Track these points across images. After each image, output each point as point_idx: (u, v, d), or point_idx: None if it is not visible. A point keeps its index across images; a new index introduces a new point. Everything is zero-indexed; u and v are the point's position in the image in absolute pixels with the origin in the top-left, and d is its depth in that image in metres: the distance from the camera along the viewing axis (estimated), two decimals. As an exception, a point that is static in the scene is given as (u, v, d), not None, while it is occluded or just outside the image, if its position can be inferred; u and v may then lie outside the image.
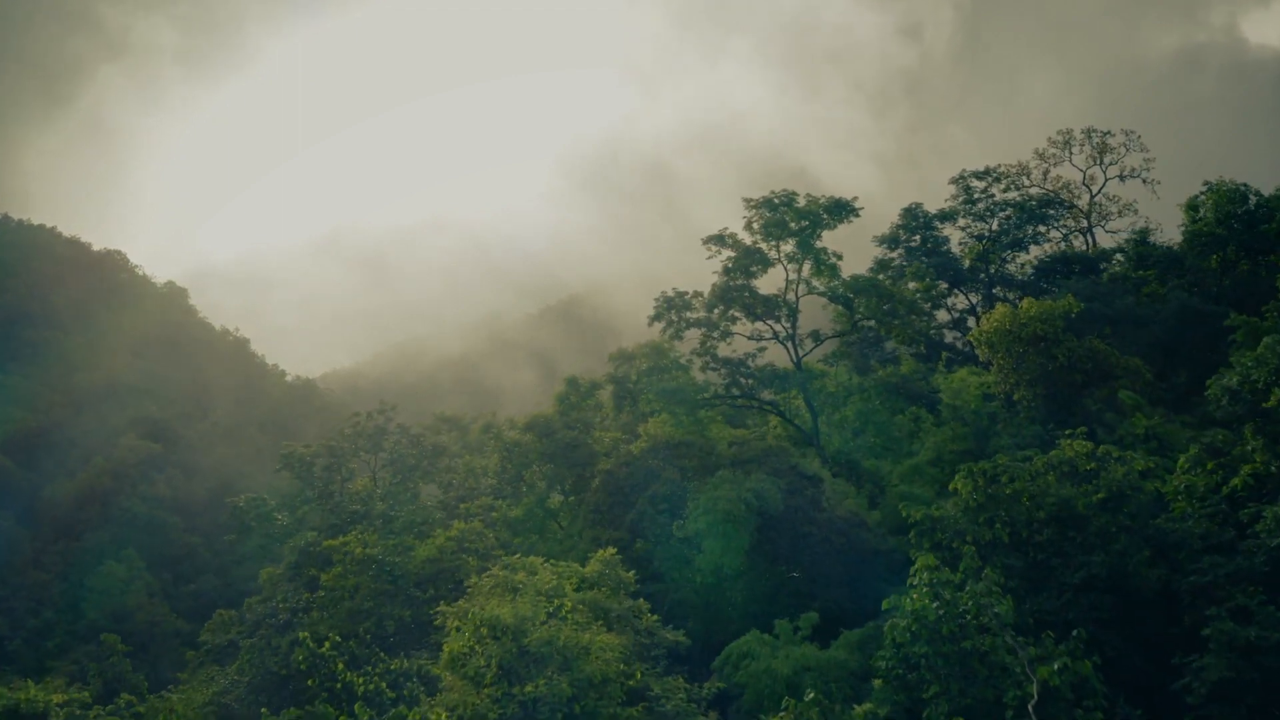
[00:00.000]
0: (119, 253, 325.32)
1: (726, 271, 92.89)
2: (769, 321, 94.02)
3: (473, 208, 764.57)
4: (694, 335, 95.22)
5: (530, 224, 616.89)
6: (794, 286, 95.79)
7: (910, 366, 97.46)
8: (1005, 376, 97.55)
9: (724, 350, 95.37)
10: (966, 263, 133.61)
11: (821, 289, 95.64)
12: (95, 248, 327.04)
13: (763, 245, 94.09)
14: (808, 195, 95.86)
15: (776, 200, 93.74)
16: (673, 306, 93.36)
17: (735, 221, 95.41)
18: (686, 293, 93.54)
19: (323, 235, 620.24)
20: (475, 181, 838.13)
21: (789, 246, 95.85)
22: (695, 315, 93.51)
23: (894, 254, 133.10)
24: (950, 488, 65.82)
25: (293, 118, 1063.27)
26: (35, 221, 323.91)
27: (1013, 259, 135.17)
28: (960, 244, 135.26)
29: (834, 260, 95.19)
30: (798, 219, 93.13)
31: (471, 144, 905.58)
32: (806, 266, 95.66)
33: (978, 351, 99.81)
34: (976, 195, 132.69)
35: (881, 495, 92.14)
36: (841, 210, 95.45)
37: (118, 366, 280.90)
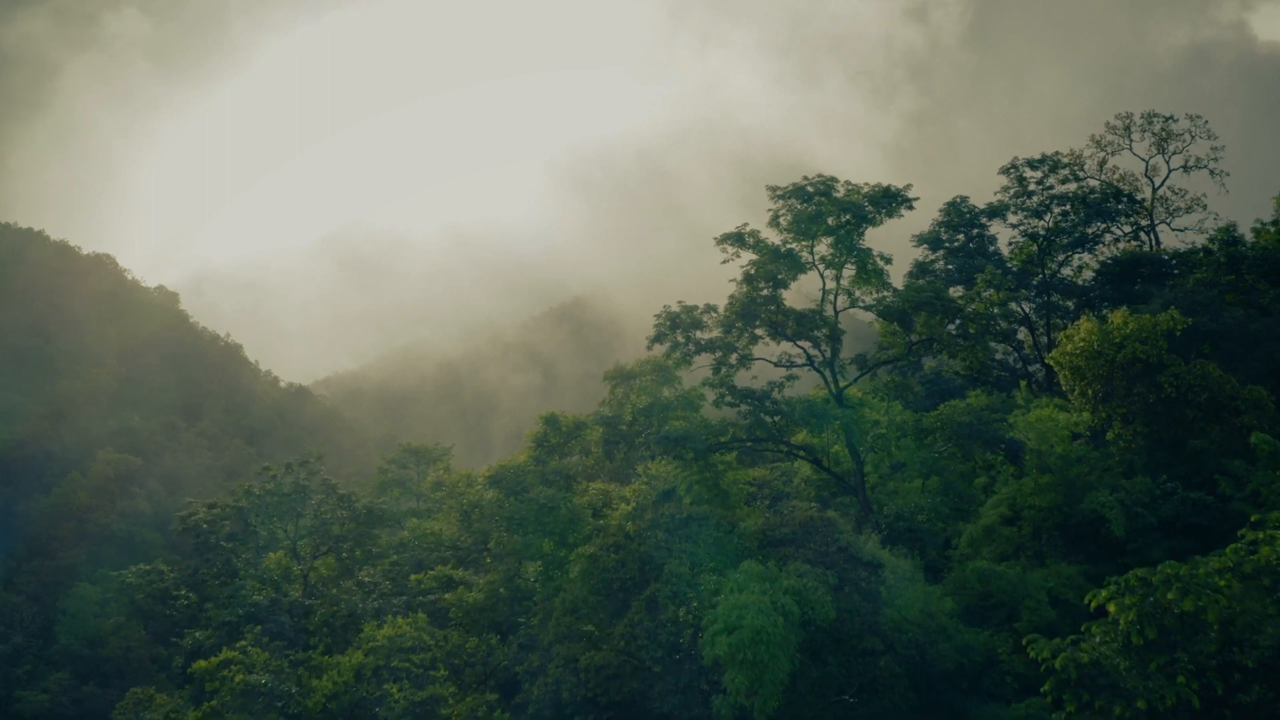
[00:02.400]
0: (108, 256, 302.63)
1: (748, 280, 68.33)
2: (801, 343, 69.71)
3: (471, 209, 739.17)
4: (704, 358, 71.16)
5: (528, 225, 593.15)
6: (831, 298, 71.55)
7: (983, 399, 72.36)
8: (1093, 409, 73.97)
9: (742, 378, 71.43)
10: (1016, 265, 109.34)
11: (869, 302, 71.21)
12: (85, 251, 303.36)
13: (794, 246, 69.78)
14: (847, 183, 71.64)
15: (810, 188, 69.43)
16: (679, 325, 69.00)
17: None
18: (696, 307, 69.22)
19: (324, 237, 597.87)
20: (473, 183, 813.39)
21: (823, 247, 71.73)
22: (708, 335, 69.32)
23: (935, 255, 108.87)
24: (1089, 603, 41.81)
25: (291, 118, 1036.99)
26: (22, 225, 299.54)
27: (1070, 261, 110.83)
28: (1010, 244, 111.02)
29: (882, 264, 70.99)
30: (837, 212, 68.82)
31: (468, 145, 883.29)
32: (847, 273, 71.49)
33: (1060, 378, 75.57)
34: (1031, 187, 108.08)
35: (946, 564, 68.30)
36: (891, 201, 71.17)
37: (101, 375, 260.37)
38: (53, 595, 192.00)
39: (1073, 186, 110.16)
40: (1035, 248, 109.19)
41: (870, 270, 69.24)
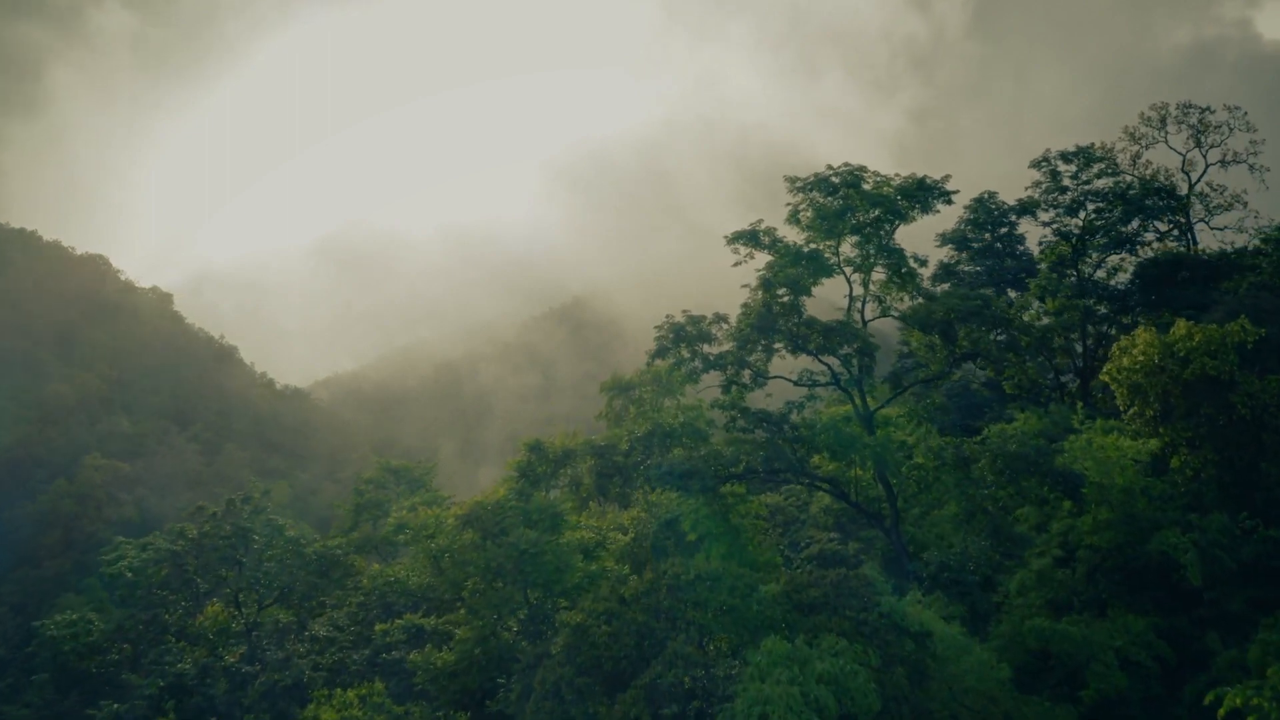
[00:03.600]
0: (101, 257, 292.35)
1: (765, 285, 57.14)
2: (826, 359, 58.64)
3: (470, 209, 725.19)
4: (713, 373, 60.04)
5: (527, 226, 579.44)
6: (859, 305, 60.54)
7: (1034, 422, 60.70)
8: (1154, 432, 63.33)
9: (755, 397, 60.45)
10: (1045, 266, 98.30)
11: (902, 310, 60.14)
12: (78, 252, 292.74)
13: (818, 245, 58.73)
14: (875, 174, 60.59)
15: (836, 179, 58.43)
16: (684, 338, 57.90)
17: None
18: (703, 318, 58.11)
19: (324, 237, 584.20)
20: (471, 183, 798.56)
21: (848, 247, 60.81)
22: (718, 349, 58.24)
23: (960, 256, 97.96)
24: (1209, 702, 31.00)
25: (290, 118, 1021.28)
26: (14, 225, 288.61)
27: (1104, 263, 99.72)
28: (1041, 243, 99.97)
29: (916, 267, 59.96)
30: (866, 207, 57.82)
31: (466, 146, 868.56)
32: (876, 277, 60.54)
33: (1116, 396, 64.62)
34: (1065, 182, 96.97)
35: (991, 610, 57.42)
36: (926, 194, 60.29)
37: (90, 379, 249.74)
38: (38, 605, 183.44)
39: (1109, 182, 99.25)
40: (1068, 248, 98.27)
41: (904, 274, 58.18)
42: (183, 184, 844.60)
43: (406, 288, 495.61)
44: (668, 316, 58.63)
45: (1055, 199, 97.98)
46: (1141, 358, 63.58)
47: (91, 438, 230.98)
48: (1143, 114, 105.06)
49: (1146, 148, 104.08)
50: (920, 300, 59.05)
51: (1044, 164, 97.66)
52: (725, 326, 58.51)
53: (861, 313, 61.24)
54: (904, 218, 58.92)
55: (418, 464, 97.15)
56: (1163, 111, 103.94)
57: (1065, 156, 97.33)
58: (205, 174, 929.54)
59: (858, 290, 60.11)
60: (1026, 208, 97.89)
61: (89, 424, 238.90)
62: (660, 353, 58.18)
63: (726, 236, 58.99)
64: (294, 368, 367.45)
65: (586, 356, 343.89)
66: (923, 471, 57.75)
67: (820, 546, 71.58)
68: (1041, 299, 66.89)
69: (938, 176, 60.67)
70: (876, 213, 58.01)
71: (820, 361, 58.62)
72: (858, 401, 59.12)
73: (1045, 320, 64.47)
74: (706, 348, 58.30)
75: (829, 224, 57.70)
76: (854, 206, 57.41)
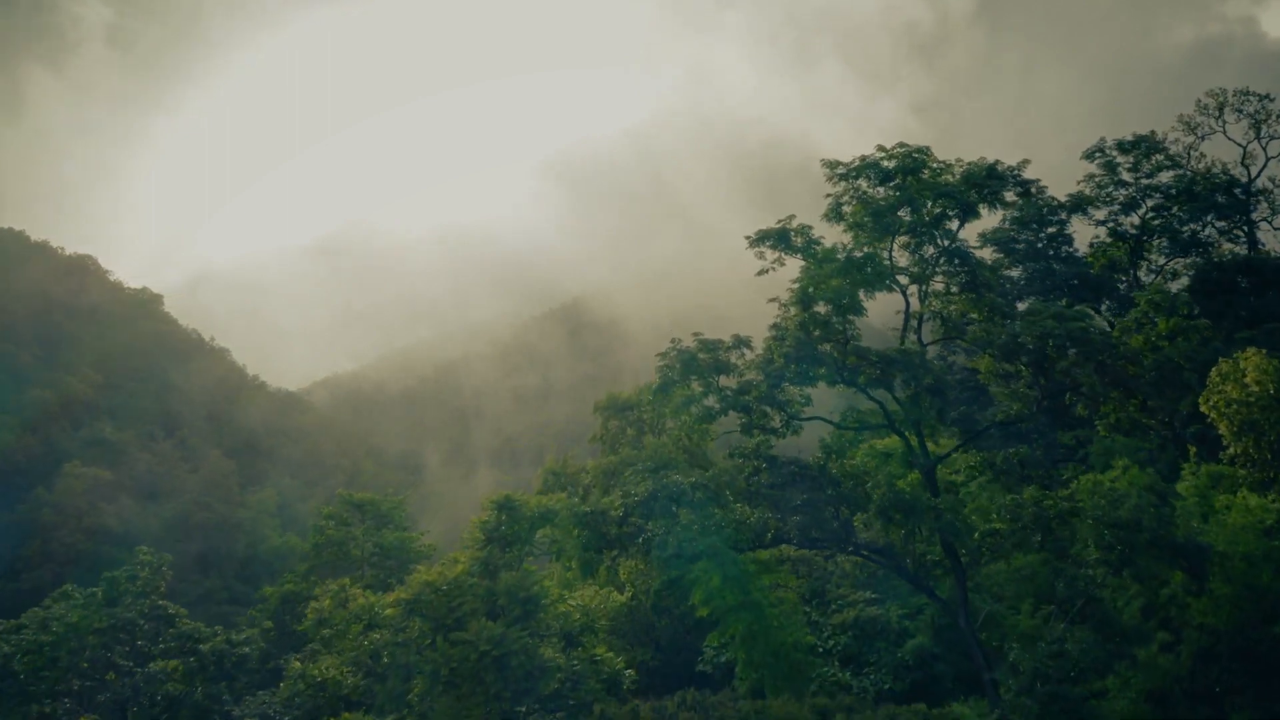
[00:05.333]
0: (90, 258, 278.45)
1: (803, 300, 42.53)
2: (877, 394, 44.14)
3: (469, 210, 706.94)
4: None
5: (526, 226, 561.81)
6: (915, 325, 46.06)
7: (1138, 475, 45.23)
8: (1272, 477, 49.09)
9: (779, 443, 46.00)
10: (1095, 270, 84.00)
11: (976, 332, 45.44)
12: (66, 252, 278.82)
13: (868, 247, 44.18)
14: (937, 161, 46.00)
15: (890, 163, 43.91)
16: (695, 369, 43.41)
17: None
18: (720, 343, 43.58)
19: (323, 237, 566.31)
20: (470, 184, 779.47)
21: (898, 250, 46.36)
22: (741, 380, 43.68)
23: (1004, 258, 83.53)
24: None
25: (290, 118, 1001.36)
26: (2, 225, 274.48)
27: (1165, 268, 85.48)
28: (1093, 243, 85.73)
29: (992, 276, 45.38)
30: (930, 198, 43.39)
31: (465, 146, 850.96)
32: (934, 288, 46.06)
33: (1222, 431, 50.07)
34: (1123, 175, 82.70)
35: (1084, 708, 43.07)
36: (999, 184, 45.83)
37: (75, 382, 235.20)
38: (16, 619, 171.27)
39: (1169, 176, 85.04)
40: (1123, 250, 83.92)
41: (980, 284, 43.56)
42: (182, 184, 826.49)
43: (406, 288, 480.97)
44: (673, 341, 44.13)
45: (1110, 194, 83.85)
46: (1255, 387, 49.28)
47: (73, 444, 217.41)
48: (1199, 101, 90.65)
49: (1203, 138, 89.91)
50: (996, 319, 44.40)
51: (1098, 154, 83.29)
52: (747, 354, 44.03)
53: (919, 334, 46.69)
54: (974, 213, 44.51)
55: (386, 497, 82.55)
56: (1221, 99, 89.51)
57: (1123, 146, 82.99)
58: (205, 174, 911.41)
59: (915, 305, 45.57)
60: (1079, 204, 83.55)
61: (71, 430, 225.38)
62: (665, 387, 43.73)
63: (749, 237, 44.46)
64: (293, 368, 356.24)
65: (586, 358, 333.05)
66: (999, 539, 43.14)
67: (857, 612, 57.20)
68: (1149, 319, 52.00)
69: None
70: (940, 207, 43.57)
71: (870, 398, 44.16)
72: (918, 450, 44.53)
73: (1162, 345, 49.74)
74: (724, 378, 43.84)
75: (880, 221, 43.28)
76: (913, 198, 42.99)
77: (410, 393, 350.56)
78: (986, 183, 45.25)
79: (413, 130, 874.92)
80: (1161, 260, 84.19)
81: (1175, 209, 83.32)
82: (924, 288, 45.53)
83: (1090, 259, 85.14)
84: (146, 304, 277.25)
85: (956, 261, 44.02)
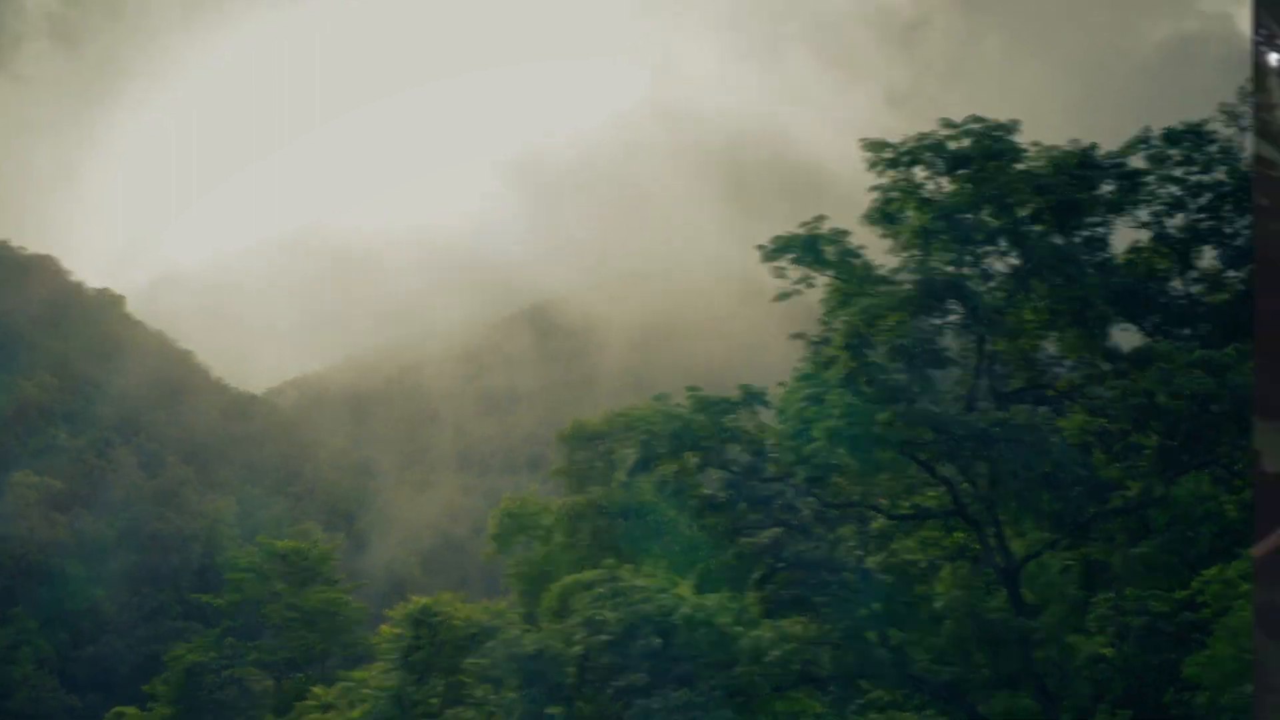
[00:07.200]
0: (50, 258, 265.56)
1: (854, 347, 28.20)
2: (945, 470, 29.93)
3: (437, 209, 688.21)
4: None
5: (493, 226, 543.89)
6: (986, 370, 31.99)
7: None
8: None
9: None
10: (1131, 280, 70.30)
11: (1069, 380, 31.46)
12: (26, 251, 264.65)
13: (936, 262, 30.22)
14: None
15: (960, 142, 29.87)
16: (690, 440, 28.86)
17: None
18: (727, 406, 29.18)
19: (291, 237, 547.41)
20: (439, 181, 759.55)
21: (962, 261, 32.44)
22: (752, 451, 29.42)
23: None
24: None
25: (256, 118, 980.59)
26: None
27: (1214, 279, 71.95)
28: (1133, 248, 72.00)
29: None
30: (1025, 192, 29.57)
31: (433, 143, 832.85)
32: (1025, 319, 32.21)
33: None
34: (1171, 169, 69.00)
35: None
36: (1095, 176, 32.07)
37: (30, 387, 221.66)
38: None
39: (1222, 173, 71.28)
40: (1167, 258, 70.15)
41: (1091, 319, 29.65)
42: (147, 184, 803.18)
43: (374, 288, 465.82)
44: (656, 398, 29.90)
45: (1154, 192, 70.11)
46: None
47: (25, 452, 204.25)
48: (1241, 87, 76.99)
49: (1243, 130, 76.40)
50: (1103, 365, 30.39)
51: (1142, 145, 69.59)
52: (759, 415, 29.83)
53: (980, 379, 32.63)
54: (1077, 216, 30.85)
55: (314, 544, 69.00)
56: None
57: (1171, 135, 69.29)
58: (171, 174, 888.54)
59: (990, 344, 31.64)
60: (1116, 203, 69.81)
61: (24, 437, 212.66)
62: (644, 465, 29.62)
63: (763, 247, 30.80)
64: (261, 368, 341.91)
65: (555, 362, 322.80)
66: (1108, 669, 29.06)
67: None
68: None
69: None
70: (1033, 205, 29.74)
71: (935, 476, 30.21)
72: (995, 553, 30.45)
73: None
74: (735, 448, 29.66)
75: (955, 227, 29.31)
76: (1005, 192, 29.08)
77: (378, 393, 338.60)
78: (1082, 173, 31.55)
79: (379, 129, 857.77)
80: (1210, 270, 70.62)
81: (1225, 208, 69.69)
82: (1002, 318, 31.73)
83: (1127, 266, 71.57)
84: (108, 305, 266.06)
85: (1060, 282, 30.29)
